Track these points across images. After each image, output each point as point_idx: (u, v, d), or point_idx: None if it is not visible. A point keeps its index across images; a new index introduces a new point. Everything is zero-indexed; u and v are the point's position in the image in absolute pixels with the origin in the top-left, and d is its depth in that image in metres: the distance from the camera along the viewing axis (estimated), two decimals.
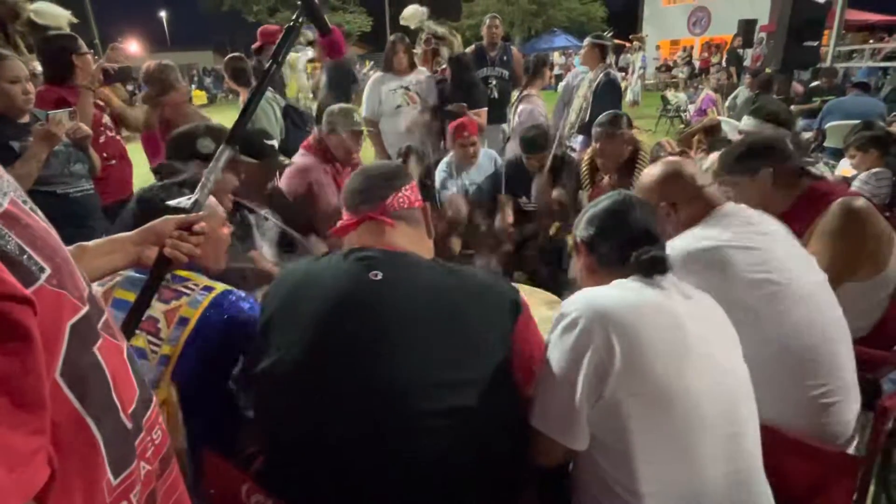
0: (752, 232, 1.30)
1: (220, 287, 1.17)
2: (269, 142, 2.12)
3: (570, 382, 0.93)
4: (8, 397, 0.40)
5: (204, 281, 1.17)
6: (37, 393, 0.43)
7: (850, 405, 1.24)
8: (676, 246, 1.29)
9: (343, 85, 3.90)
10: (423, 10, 3.83)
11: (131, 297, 1.04)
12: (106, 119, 2.75)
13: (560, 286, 2.15)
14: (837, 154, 4.02)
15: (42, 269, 0.48)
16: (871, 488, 1.28)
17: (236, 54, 3.82)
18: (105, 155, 2.65)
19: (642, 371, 0.91)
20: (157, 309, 1.10)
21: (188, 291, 1.14)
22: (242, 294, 1.19)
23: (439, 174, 3.22)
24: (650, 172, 1.44)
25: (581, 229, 1.16)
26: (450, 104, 3.60)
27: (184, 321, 1.10)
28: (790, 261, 1.28)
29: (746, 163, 1.67)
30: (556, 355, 0.96)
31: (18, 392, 0.42)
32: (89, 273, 0.96)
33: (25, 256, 0.46)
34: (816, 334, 1.22)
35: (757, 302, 1.20)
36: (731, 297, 1.18)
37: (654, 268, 1.01)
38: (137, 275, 1.14)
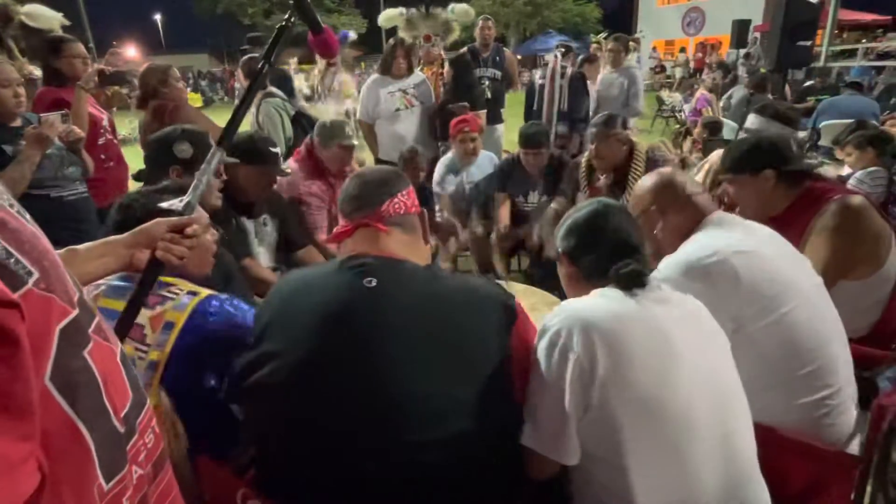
0: (747, 235, 1.30)
1: (204, 292, 1.15)
2: (273, 149, 2.09)
3: (556, 396, 0.93)
4: None
5: (188, 286, 1.16)
6: (25, 398, 0.43)
7: (849, 406, 1.24)
8: (675, 260, 1.28)
9: None
10: (401, 10, 3.84)
11: (116, 305, 1.02)
12: (105, 122, 2.74)
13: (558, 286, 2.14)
14: (832, 153, 4.03)
15: (30, 273, 0.47)
16: (869, 488, 1.28)
17: (255, 55, 3.82)
18: (103, 157, 2.63)
19: (628, 378, 0.91)
20: (142, 315, 1.07)
21: (172, 296, 1.12)
22: (228, 297, 1.18)
23: (438, 170, 3.23)
24: (643, 182, 1.48)
25: (562, 240, 1.15)
26: (451, 104, 3.60)
27: (169, 325, 1.08)
28: (786, 262, 1.28)
29: (749, 161, 1.67)
30: (541, 370, 0.96)
31: (6, 397, 0.41)
32: (81, 277, 0.95)
33: (13, 260, 0.45)
34: (818, 336, 1.22)
35: (764, 306, 1.19)
36: (737, 304, 1.19)
37: (633, 282, 1.01)
38: (121, 283, 1.13)
